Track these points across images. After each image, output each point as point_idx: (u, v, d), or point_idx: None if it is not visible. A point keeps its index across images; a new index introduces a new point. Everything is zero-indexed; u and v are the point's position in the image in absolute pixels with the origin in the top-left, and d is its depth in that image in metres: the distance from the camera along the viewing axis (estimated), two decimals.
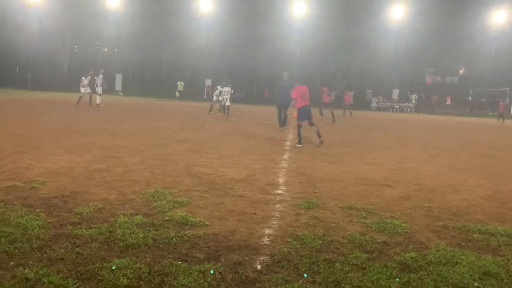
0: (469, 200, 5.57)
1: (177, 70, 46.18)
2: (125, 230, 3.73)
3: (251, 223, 4.18)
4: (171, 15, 41.63)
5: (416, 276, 3.12)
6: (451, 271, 3.23)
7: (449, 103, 46.03)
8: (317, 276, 3.05)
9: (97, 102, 21.84)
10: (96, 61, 42.11)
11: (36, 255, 3.16)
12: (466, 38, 40.92)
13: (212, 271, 3.00)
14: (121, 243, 3.46)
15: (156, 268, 3.04)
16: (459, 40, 41.67)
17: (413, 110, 42.47)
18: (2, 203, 4.31)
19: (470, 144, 14.07)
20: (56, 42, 43.14)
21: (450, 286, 3.01)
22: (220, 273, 3.03)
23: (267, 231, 3.98)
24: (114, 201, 4.67)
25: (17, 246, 3.28)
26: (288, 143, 10.93)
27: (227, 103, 19.79)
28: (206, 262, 3.20)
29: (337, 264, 3.27)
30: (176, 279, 2.89)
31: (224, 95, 19.99)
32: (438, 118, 32.85)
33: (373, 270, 3.18)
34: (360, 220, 4.42)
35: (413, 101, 43.94)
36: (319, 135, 10.36)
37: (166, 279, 2.89)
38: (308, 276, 3.05)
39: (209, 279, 2.91)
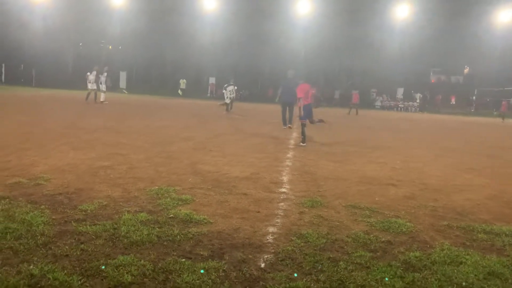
0: (474, 200, 5.54)
1: (181, 68, 46.18)
2: (129, 227, 3.74)
3: (255, 221, 4.18)
4: (176, 13, 41.63)
5: (421, 276, 3.12)
6: (455, 271, 3.22)
7: (454, 103, 45.81)
8: (321, 275, 3.05)
9: (101, 100, 21.91)
10: (100, 59, 42.15)
11: (41, 251, 3.17)
12: (471, 37, 40.66)
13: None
14: (125, 240, 3.47)
15: (160, 265, 3.05)
16: (464, 40, 41.41)
17: (418, 109, 42.30)
18: (7, 199, 4.33)
19: (475, 144, 14.00)
20: (61, 39, 43.22)
21: (455, 285, 3.00)
22: (224, 270, 3.03)
23: (271, 229, 3.98)
24: (118, 198, 4.68)
25: (22, 242, 3.29)
26: (292, 141, 10.92)
27: (227, 101, 20.58)
28: (210, 259, 3.20)
29: (341, 263, 3.26)
30: (180, 276, 2.90)
31: (229, 94, 20.49)
32: (442, 117, 32.72)
33: (377, 269, 3.17)
34: (364, 219, 4.41)
35: (418, 100, 43.75)
36: (322, 121, 10.27)
37: (170, 276, 2.90)
38: (312, 274, 3.05)
39: (213, 277, 2.91)
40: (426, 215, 4.71)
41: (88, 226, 3.73)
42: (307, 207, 4.72)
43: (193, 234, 3.69)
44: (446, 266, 3.31)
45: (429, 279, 3.07)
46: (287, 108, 14.25)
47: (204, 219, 4.11)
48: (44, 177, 5.37)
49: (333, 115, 20.04)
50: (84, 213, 4.10)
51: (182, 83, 43.22)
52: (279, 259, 3.30)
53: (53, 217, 3.93)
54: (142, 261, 3.09)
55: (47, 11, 40.69)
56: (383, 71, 42.71)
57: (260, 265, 3.19)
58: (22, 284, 2.68)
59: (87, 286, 2.72)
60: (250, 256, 3.32)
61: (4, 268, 2.87)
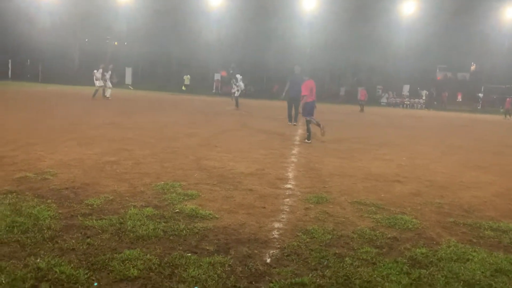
0: (481, 197, 5.51)
1: (186, 64, 46.19)
2: (135, 221, 3.75)
3: (261, 216, 4.18)
4: (181, 10, 41.62)
5: (427, 272, 3.10)
6: (462, 268, 3.20)
7: (460, 100, 45.53)
8: (327, 270, 3.04)
9: (107, 96, 22.32)
10: (106, 55, 42.25)
11: (47, 245, 3.19)
12: (478, 34, 40.38)
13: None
14: (131, 234, 3.48)
15: (166, 259, 3.06)
16: (471, 36, 41.12)
17: (424, 106, 42.08)
18: (14, 193, 4.35)
19: (482, 141, 13.91)
20: (67, 35, 43.37)
21: (461, 282, 2.98)
22: (229, 265, 3.04)
23: (276, 225, 3.98)
24: (124, 193, 4.69)
25: (29, 236, 3.31)
26: (297, 138, 10.90)
27: (237, 94, 20.87)
28: (216, 254, 3.21)
29: (347, 258, 3.26)
30: (186, 270, 2.90)
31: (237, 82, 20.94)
32: (448, 114, 32.54)
33: (383, 266, 3.16)
34: (370, 216, 4.40)
35: (424, 97, 43.52)
36: (319, 125, 10.24)
37: (176, 271, 2.90)
38: (317, 270, 3.05)
39: (219, 271, 2.92)
40: (432, 212, 4.69)
41: (94, 220, 3.74)
42: (312, 203, 4.71)
43: (199, 229, 3.70)
44: (452, 263, 3.30)
45: (436, 275, 3.06)
46: (293, 104, 14.12)
47: (210, 214, 4.11)
48: (51, 171, 5.40)
49: (338, 111, 19.98)
50: (90, 207, 4.12)
51: (186, 79, 43.26)
52: (284, 254, 3.30)
53: (60, 211, 3.94)
54: (148, 255, 3.09)
55: (53, 7, 40.85)
56: (389, 67, 42.54)
57: (266, 260, 3.19)
58: (29, 277, 2.69)
59: (93, 279, 2.73)
60: (256, 251, 3.32)
61: (11, 261, 2.89)
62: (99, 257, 3.02)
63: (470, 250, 3.57)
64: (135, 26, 42.66)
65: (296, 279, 2.88)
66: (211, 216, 4.07)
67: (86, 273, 2.78)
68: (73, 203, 4.22)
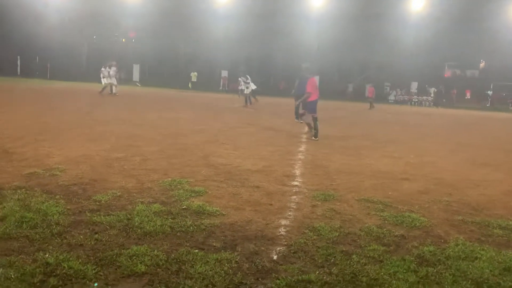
0: (490, 195, 5.47)
1: (194, 61, 46.23)
2: (143, 217, 3.76)
3: (267, 213, 4.18)
4: (188, 7, 41.62)
5: (435, 270, 3.09)
6: (470, 266, 3.18)
7: (469, 97, 45.15)
8: (334, 268, 3.04)
9: (114, 92, 22.62)
10: (114, 52, 42.40)
11: (56, 240, 3.22)
12: (487, 31, 39.91)
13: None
14: (139, 230, 3.50)
15: (173, 255, 3.07)
16: (480, 33, 40.65)
17: (432, 103, 41.78)
18: (23, 189, 4.39)
19: (491, 139, 13.79)
20: (75, 33, 43.57)
21: (469, 281, 2.96)
22: (236, 262, 3.04)
23: (283, 222, 3.98)
24: (132, 189, 4.72)
25: (38, 231, 3.34)
26: (304, 135, 10.88)
27: (247, 91, 20.95)
28: (222, 251, 3.21)
29: (354, 256, 3.25)
30: (193, 267, 2.91)
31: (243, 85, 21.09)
32: (457, 112, 32.30)
33: (391, 263, 3.15)
34: (377, 213, 4.38)
35: (432, 95, 43.21)
36: (310, 126, 10.24)
37: (183, 267, 2.91)
38: (324, 267, 3.04)
39: (225, 268, 2.92)
40: (440, 210, 4.66)
41: (102, 216, 3.77)
42: (319, 201, 4.70)
43: (206, 226, 3.71)
44: (460, 261, 3.28)
45: (443, 273, 3.04)
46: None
47: (217, 211, 4.12)
48: (60, 167, 5.44)
49: (346, 108, 19.92)
50: (98, 203, 4.14)
51: (193, 76, 43.31)
52: (291, 251, 3.30)
53: (68, 207, 3.97)
54: (156, 251, 3.11)
55: (61, 4, 41.04)
56: (397, 64, 42.20)
57: (273, 257, 3.19)
58: (38, 272, 2.72)
59: (101, 275, 2.75)
60: (263, 248, 3.33)
61: (20, 256, 2.92)
62: (107, 252, 3.04)
63: (478, 248, 3.55)
64: (143, 23, 42.72)
65: (303, 276, 2.88)
66: (218, 213, 4.08)
67: (94, 269, 2.80)
68: (81, 199, 4.25)
